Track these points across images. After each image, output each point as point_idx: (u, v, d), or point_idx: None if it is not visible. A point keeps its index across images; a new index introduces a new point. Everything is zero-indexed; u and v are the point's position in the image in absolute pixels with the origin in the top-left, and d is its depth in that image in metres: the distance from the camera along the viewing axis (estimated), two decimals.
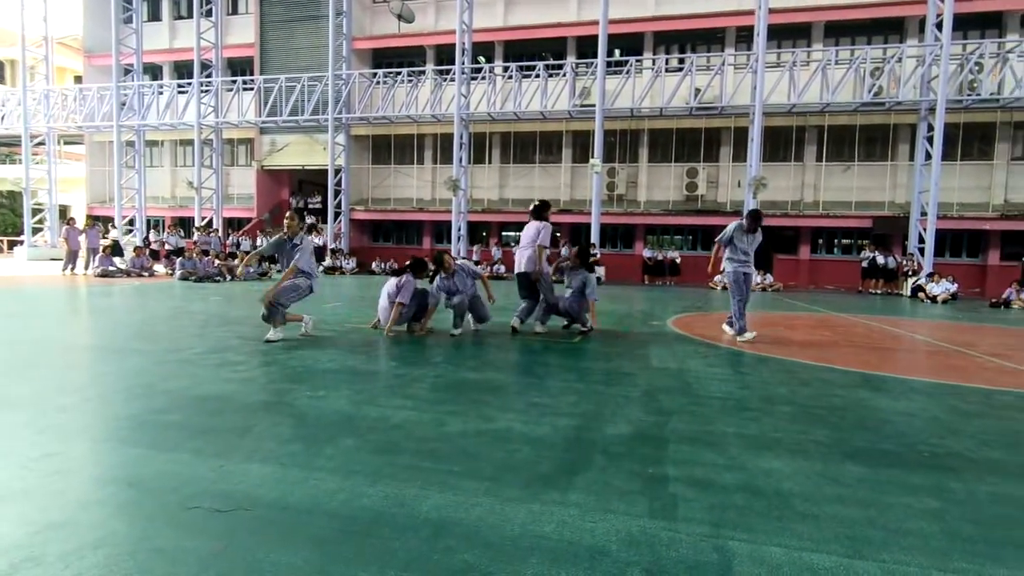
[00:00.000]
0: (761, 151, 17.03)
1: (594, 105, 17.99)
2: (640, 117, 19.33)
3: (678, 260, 18.74)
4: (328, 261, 19.33)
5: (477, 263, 17.34)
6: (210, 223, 21.69)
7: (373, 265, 20.37)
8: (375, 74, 20.60)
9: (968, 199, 17.57)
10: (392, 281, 6.10)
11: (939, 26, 15.99)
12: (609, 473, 2.35)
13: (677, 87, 17.46)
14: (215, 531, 1.80)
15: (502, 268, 19.35)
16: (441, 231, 21.80)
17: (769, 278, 16.92)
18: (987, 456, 2.68)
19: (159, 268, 16.55)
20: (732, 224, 6.50)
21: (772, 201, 18.49)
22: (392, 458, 2.44)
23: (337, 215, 21.20)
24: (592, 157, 17.93)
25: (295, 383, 3.71)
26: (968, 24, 17.15)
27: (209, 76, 21.90)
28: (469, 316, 6.36)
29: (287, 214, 5.62)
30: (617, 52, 19.51)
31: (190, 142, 22.39)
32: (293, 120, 20.57)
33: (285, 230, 5.60)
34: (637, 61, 18.37)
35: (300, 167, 22.44)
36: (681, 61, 18.74)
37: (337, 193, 21.06)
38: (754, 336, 6.20)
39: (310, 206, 23.65)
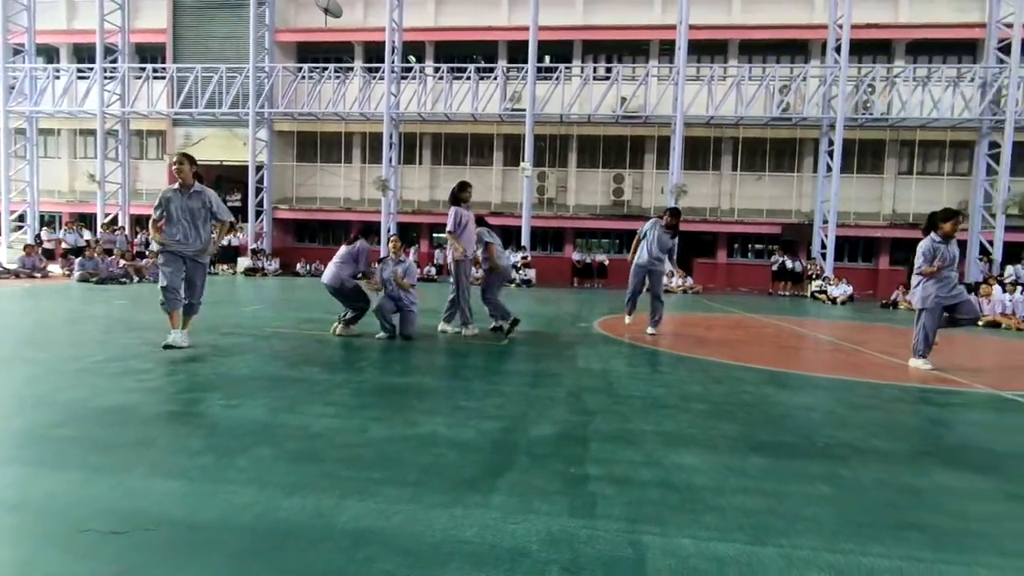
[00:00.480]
0: (682, 160, 17.89)
1: (524, 109, 18.23)
2: (569, 123, 19.76)
3: (606, 263, 19.30)
4: (249, 262, 18.42)
5: (418, 264, 17.06)
6: (115, 220, 20.11)
7: (298, 267, 19.63)
8: (300, 68, 19.88)
9: (863, 209, 19.23)
10: (343, 250, 6.06)
11: (838, 50, 17.43)
12: (532, 474, 2.39)
13: (604, 95, 18.01)
14: (111, 554, 1.67)
15: (433, 271, 19.19)
16: (370, 232, 21.27)
17: (689, 280, 17.76)
18: (873, 445, 2.95)
19: (54, 268, 15.14)
20: (650, 221, 6.97)
21: (692, 207, 19.42)
22: (311, 467, 2.36)
23: (259, 214, 20.27)
24: (523, 161, 18.16)
25: (207, 392, 3.51)
26: (863, 49, 18.79)
27: (114, 62, 20.30)
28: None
29: (175, 159, 4.78)
30: (547, 58, 19.88)
31: (92, 132, 20.64)
32: (210, 113, 19.48)
33: (179, 180, 4.80)
34: (566, 68, 18.80)
35: (218, 162, 21.23)
36: (608, 70, 19.35)
37: (259, 191, 20.13)
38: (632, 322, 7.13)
39: (229, 204, 22.43)
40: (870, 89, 17.90)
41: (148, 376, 3.86)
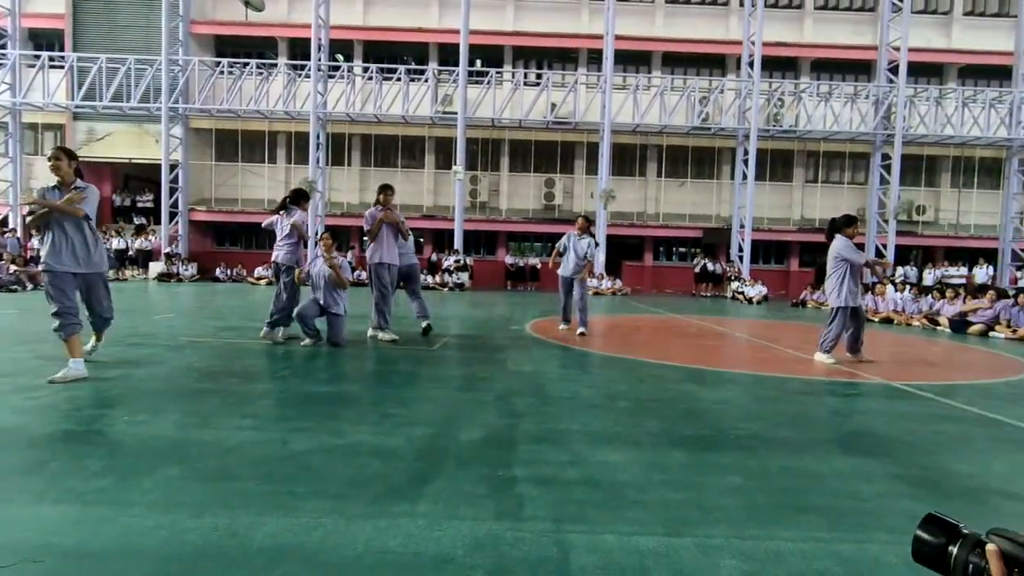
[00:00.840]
0: (610, 166, 18.45)
1: (456, 112, 18.18)
2: (501, 127, 19.89)
3: (538, 266, 19.56)
4: (162, 267, 17.27)
5: (354, 268, 16.59)
6: (5, 221, 18.28)
7: (217, 271, 18.58)
8: (219, 63, 18.87)
9: (775, 214, 20.54)
10: (284, 222, 6.10)
11: (752, 65, 18.58)
12: (459, 479, 2.38)
13: (535, 101, 18.28)
14: None
15: (363, 275, 18.72)
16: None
17: (618, 283, 18.31)
18: (780, 435, 3.15)
19: None
20: (567, 234, 7.47)
21: (620, 212, 20.05)
22: (225, 485, 2.24)
23: (173, 216, 19.03)
24: (455, 164, 18.09)
25: (109, 408, 3.26)
26: (773, 66, 20.11)
27: (3, 47, 18.47)
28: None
29: (51, 153, 4.08)
30: (479, 62, 19.94)
31: None
32: (116, 107, 18.11)
33: (56, 178, 4.08)
34: (497, 73, 18.91)
35: (126, 160, 19.79)
36: (539, 76, 19.64)
37: (173, 191, 18.90)
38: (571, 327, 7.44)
39: (139, 204, 20.95)
40: (780, 103, 19.19)
41: (41, 393, 3.52)
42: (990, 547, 0.70)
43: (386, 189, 6.25)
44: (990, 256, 19.05)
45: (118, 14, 19.64)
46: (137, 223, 19.11)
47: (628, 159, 20.62)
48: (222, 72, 18.62)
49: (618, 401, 3.82)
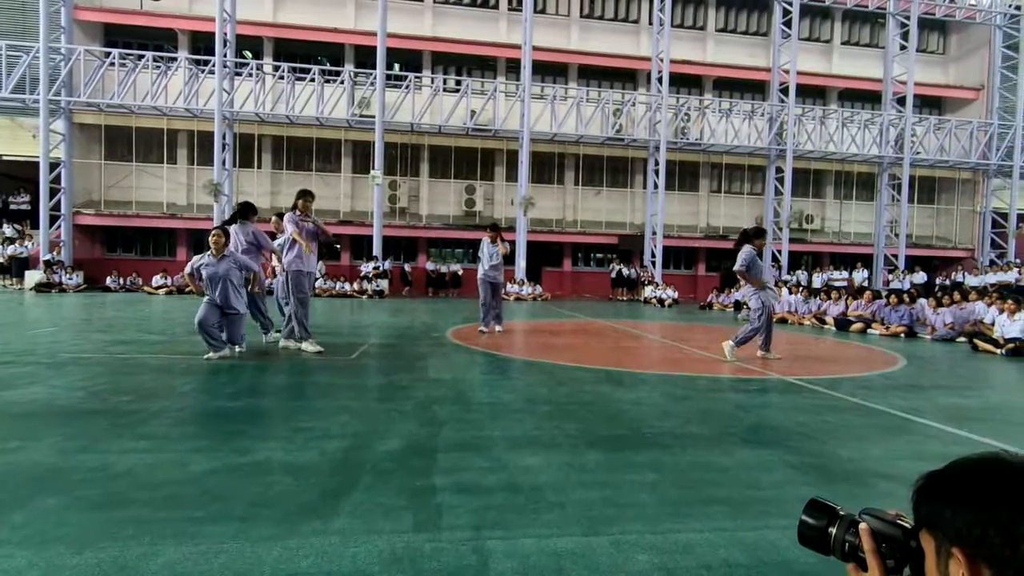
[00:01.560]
0: (529, 173, 18.77)
1: (374, 116, 17.81)
2: (420, 132, 19.71)
3: (460, 272, 19.50)
4: (41, 275, 15.56)
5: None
6: None
7: (108, 280, 17.01)
8: (109, 53, 17.33)
9: (684, 222, 21.74)
10: (240, 236, 6.10)
11: (661, 80, 19.60)
12: (376, 492, 2.31)
13: (455, 107, 18.27)
14: None
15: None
16: (200, 240, 19.20)
17: (539, 288, 18.62)
18: (689, 431, 3.32)
19: None
20: (483, 240, 8.07)
21: (540, 219, 20.43)
22: (113, 514, 2.03)
23: (55, 219, 17.20)
24: (373, 168, 17.69)
25: None
26: (680, 82, 21.33)
27: None
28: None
29: None
30: (396, 66, 19.65)
31: None
32: None
33: None
34: (416, 78, 18.72)
35: None
36: (458, 83, 19.66)
37: (55, 192, 17.09)
38: (488, 330, 7.82)
39: (12, 207, 18.80)
40: (686, 117, 20.39)
41: None
42: (862, 525, 0.77)
43: (305, 195, 6.01)
44: (867, 261, 21.20)
45: None
46: (7, 234, 17.04)
47: (547, 167, 21.07)
48: (112, 64, 17.11)
49: (538, 405, 3.87)
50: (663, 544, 1.94)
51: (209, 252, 5.44)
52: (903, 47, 21.18)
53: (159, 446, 2.78)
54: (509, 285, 18.15)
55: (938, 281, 19.17)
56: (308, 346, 5.90)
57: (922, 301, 10.42)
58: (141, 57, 17.20)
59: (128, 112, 17.86)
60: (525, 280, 18.46)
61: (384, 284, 17.16)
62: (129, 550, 1.79)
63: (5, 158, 17.86)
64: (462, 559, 1.80)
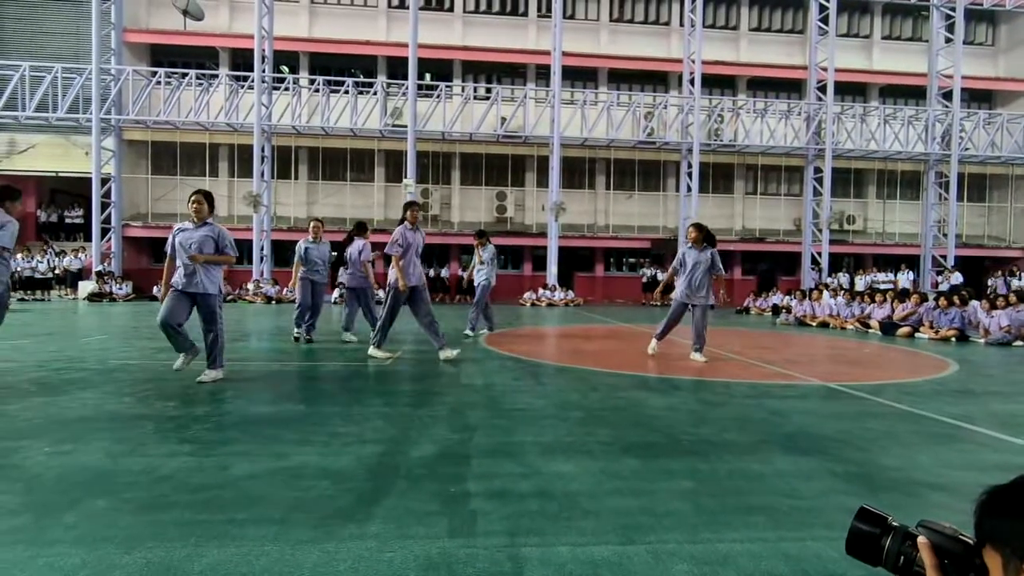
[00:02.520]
0: (560, 178, 18.74)
1: (406, 126, 18.09)
2: (451, 140, 19.91)
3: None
4: (93, 286, 16.30)
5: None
6: None
7: (154, 290, 17.65)
8: (155, 72, 18.12)
9: (718, 225, 21.32)
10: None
11: (692, 82, 19.34)
12: (410, 497, 2.32)
13: (485, 115, 18.41)
14: None
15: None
16: (241, 251, 19.78)
17: (571, 293, 18.53)
18: (726, 438, 3.24)
19: None
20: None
21: (571, 224, 20.36)
22: (158, 516, 2.10)
23: (105, 232, 18.02)
24: (405, 177, 17.96)
25: (28, 438, 3.02)
26: (713, 83, 21.00)
27: None
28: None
29: None
30: (428, 76, 19.94)
31: None
32: (42, 117, 17.10)
33: None
34: (447, 86, 18.96)
35: (52, 173, 18.70)
36: (488, 90, 19.81)
37: (105, 206, 17.92)
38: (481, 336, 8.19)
39: (68, 220, 19.77)
40: (719, 118, 20.04)
41: None
42: (922, 539, 0.73)
43: (412, 206, 5.94)
44: (912, 262, 20.39)
45: (43, 20, 18.64)
46: (57, 251, 17.83)
47: (577, 172, 21.00)
48: (158, 82, 17.88)
49: (570, 411, 3.85)
50: (702, 554, 1.89)
51: (191, 220, 4.69)
52: (949, 40, 20.38)
53: (200, 451, 2.87)
54: (541, 290, 18.12)
55: (990, 282, 18.29)
56: (380, 354, 5.90)
57: (975, 303, 9.95)
58: (185, 75, 17.92)
59: (173, 128, 18.60)
60: (557, 285, 18.40)
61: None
62: (175, 551, 1.84)
63: (61, 175, 18.81)
64: (497, 566, 1.80)
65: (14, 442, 2.96)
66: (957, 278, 16.78)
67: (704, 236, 6.31)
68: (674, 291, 6.58)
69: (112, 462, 2.68)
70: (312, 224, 7.47)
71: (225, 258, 4.73)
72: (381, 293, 6.75)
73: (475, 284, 8.52)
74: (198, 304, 4.63)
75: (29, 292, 16.14)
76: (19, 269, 15.65)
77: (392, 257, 5.72)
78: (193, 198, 4.62)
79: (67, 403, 3.82)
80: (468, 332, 8.28)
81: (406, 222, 5.86)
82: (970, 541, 0.70)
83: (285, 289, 17.24)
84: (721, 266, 6.35)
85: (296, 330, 7.34)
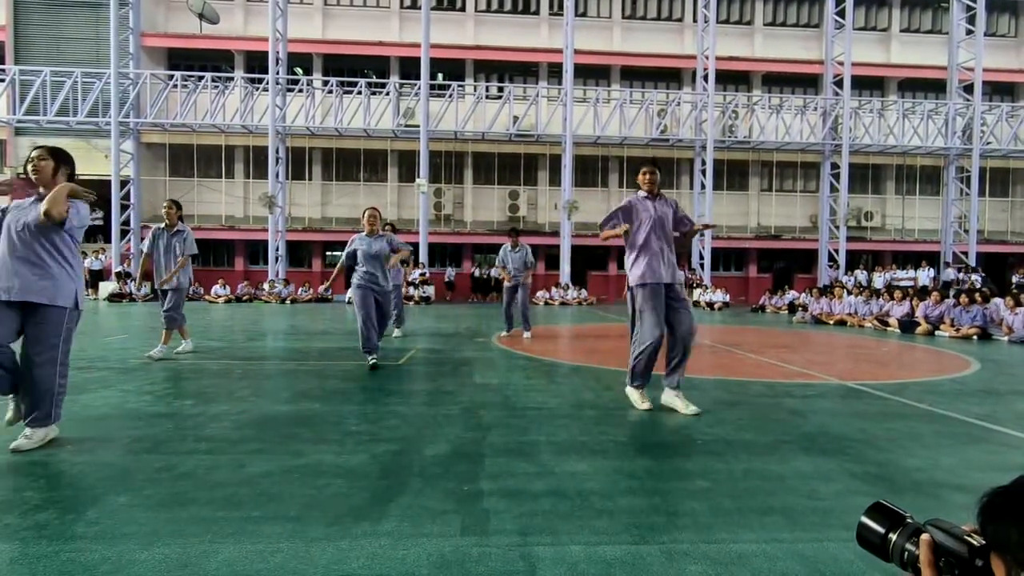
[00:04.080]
0: (573, 177, 18.68)
1: (418, 126, 18.16)
2: (464, 140, 19.96)
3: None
4: (114, 286, 16.59)
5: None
6: None
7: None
8: (172, 76, 18.39)
9: (733, 223, 21.15)
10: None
11: (706, 78, 19.17)
12: (424, 496, 2.33)
13: (497, 114, 18.42)
14: None
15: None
16: (257, 251, 20.07)
17: (584, 292, 18.48)
18: (742, 438, 3.21)
19: None
20: (503, 247, 8.29)
21: (584, 223, 20.29)
22: (176, 512, 2.14)
23: (125, 233, 18.35)
24: (419, 177, 18.03)
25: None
26: (727, 79, 20.81)
27: None
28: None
29: (35, 152, 3.08)
30: (440, 76, 19.99)
31: None
32: (62, 121, 17.44)
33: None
34: (459, 86, 19.00)
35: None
36: (500, 90, 19.81)
37: (125, 208, 18.24)
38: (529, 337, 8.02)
39: (89, 222, 20.12)
40: (734, 115, 19.84)
41: None
42: (924, 536, 0.72)
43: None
44: (932, 259, 20.03)
45: (63, 26, 18.99)
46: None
47: (590, 170, 20.94)
48: (175, 85, 18.14)
49: (584, 410, 3.83)
50: (716, 554, 1.87)
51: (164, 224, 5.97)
52: (970, 32, 19.97)
53: (218, 448, 2.91)
54: (554, 289, 18.09)
55: (1015, 279, 17.90)
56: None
57: (997, 300, 9.74)
58: (201, 78, 18.16)
59: (190, 130, 18.87)
60: (570, 284, 18.36)
61: (431, 290, 17.42)
62: (192, 547, 1.87)
63: (81, 178, 19.14)
64: (510, 564, 1.80)
65: None
66: (977, 278, 16.43)
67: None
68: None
69: (132, 459, 2.72)
70: (367, 214, 5.50)
71: (182, 260, 5.99)
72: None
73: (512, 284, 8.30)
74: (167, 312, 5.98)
75: None
76: None
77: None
78: (167, 204, 5.96)
79: (89, 401, 3.89)
80: (526, 334, 8.20)
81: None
82: (978, 544, 0.69)
83: (299, 289, 17.42)
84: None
85: (370, 357, 5.39)
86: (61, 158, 3.07)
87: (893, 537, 0.77)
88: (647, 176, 4.10)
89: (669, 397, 3.88)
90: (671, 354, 3.91)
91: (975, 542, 0.69)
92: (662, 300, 3.84)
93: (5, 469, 2.59)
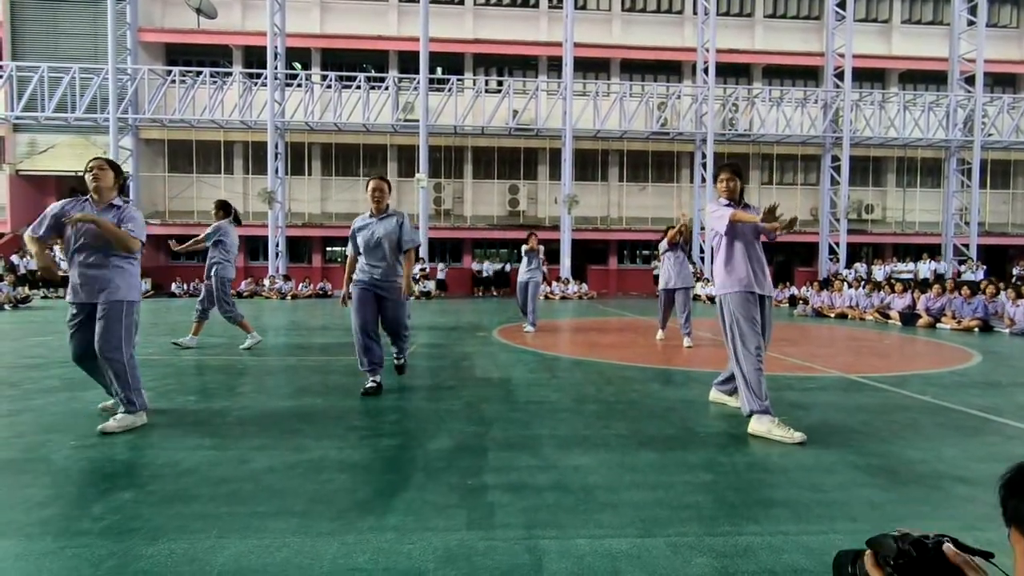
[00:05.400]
0: (573, 171, 18.64)
1: (418, 120, 18.10)
2: (463, 134, 19.90)
3: (508, 270, 19.60)
4: None
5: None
6: None
7: (173, 287, 17.98)
8: (170, 71, 18.31)
9: None
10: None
11: (707, 71, 19.09)
12: (429, 490, 2.33)
13: (497, 108, 18.35)
14: None
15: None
16: (257, 247, 20.04)
17: (584, 287, 18.47)
18: (744, 431, 3.20)
19: None
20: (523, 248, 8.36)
21: (584, 217, 20.27)
22: (182, 508, 2.14)
23: None
24: (418, 172, 17.99)
25: (54, 432, 3.08)
26: (727, 72, 20.73)
27: None
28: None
29: (92, 163, 3.20)
30: (439, 70, 19.91)
31: None
32: (61, 117, 17.38)
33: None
34: (459, 80, 18.92)
35: (72, 173, 18.97)
36: (500, 84, 19.74)
37: None
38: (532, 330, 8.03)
39: None
40: (734, 108, 19.78)
41: None
42: (866, 553, 0.87)
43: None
44: (933, 251, 20.01)
45: (60, 22, 18.89)
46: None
47: (590, 164, 20.89)
48: (173, 81, 18.07)
49: (586, 404, 3.83)
50: (722, 547, 1.87)
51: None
52: (971, 22, 19.88)
53: (221, 444, 2.91)
54: (554, 283, 18.09)
55: (1016, 271, 17.89)
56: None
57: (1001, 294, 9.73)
58: (199, 74, 18.09)
59: (188, 126, 18.80)
60: (570, 279, 18.35)
61: (431, 285, 17.42)
62: (198, 543, 1.87)
63: (80, 174, 19.11)
64: (516, 558, 1.80)
65: (42, 436, 3.02)
66: (980, 275, 16.40)
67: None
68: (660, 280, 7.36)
69: (136, 455, 2.73)
70: (372, 185, 4.11)
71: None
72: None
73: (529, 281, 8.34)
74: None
75: (51, 289, 16.44)
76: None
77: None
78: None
79: (92, 398, 3.89)
80: (527, 327, 8.27)
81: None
82: (928, 539, 0.80)
83: (300, 285, 17.41)
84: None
85: (370, 377, 4.19)
86: (116, 169, 3.29)
87: (852, 570, 0.91)
88: (726, 184, 3.59)
89: (718, 395, 3.82)
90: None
91: (927, 541, 0.81)
92: (757, 308, 3.44)
93: (7, 467, 2.59)
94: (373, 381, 4.11)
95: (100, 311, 3.11)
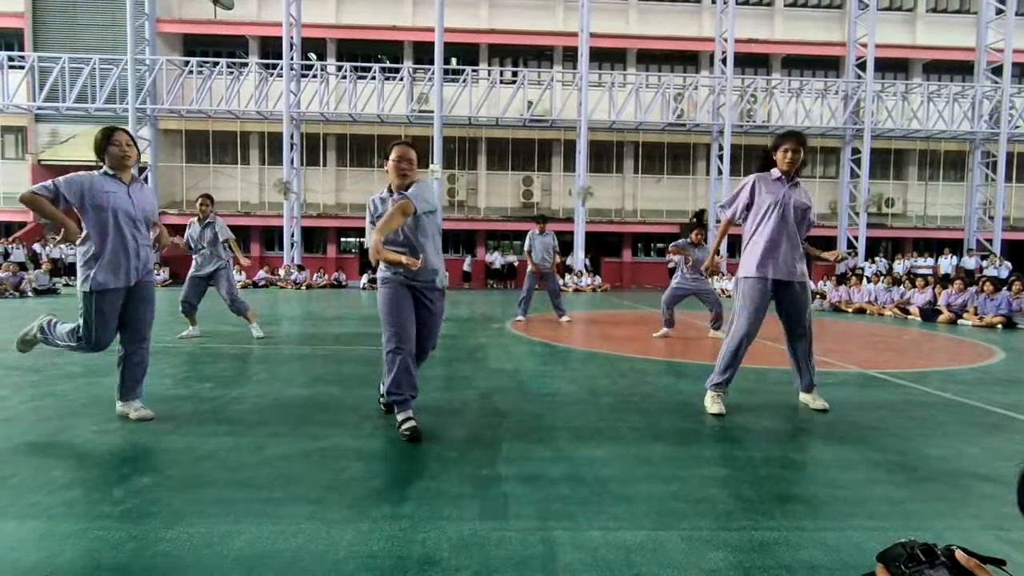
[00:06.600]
0: (587, 163, 18.52)
1: (432, 111, 18.08)
2: (478, 125, 19.84)
3: (516, 264, 19.57)
4: None
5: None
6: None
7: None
8: (187, 62, 18.45)
9: None
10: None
11: (725, 62, 18.82)
12: (443, 480, 2.34)
13: (511, 99, 18.27)
14: None
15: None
16: (272, 237, 20.22)
17: (598, 279, 18.40)
18: (762, 425, 3.17)
19: None
20: (529, 232, 8.41)
21: (598, 209, 20.16)
22: (199, 493, 2.17)
23: None
24: (432, 163, 17.99)
25: (76, 416, 3.14)
26: (745, 62, 20.41)
27: None
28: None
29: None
30: (454, 60, 19.84)
31: None
32: (81, 108, 17.61)
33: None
34: (473, 71, 18.85)
35: (93, 163, 19.22)
36: (515, 74, 19.63)
37: None
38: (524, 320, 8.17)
39: None
40: (752, 99, 19.48)
41: (3, 406, 3.38)
42: (878, 567, 0.88)
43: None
44: (955, 246, 19.62)
45: (80, 13, 19.10)
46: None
47: (605, 156, 20.74)
48: (191, 72, 18.22)
49: (600, 396, 3.82)
50: (737, 542, 1.86)
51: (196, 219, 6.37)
52: (1000, 11, 19.33)
53: (237, 431, 2.94)
54: (568, 276, 18.04)
55: None
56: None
57: None
58: (216, 64, 18.21)
59: (205, 117, 18.96)
60: (584, 271, 18.28)
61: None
62: (215, 527, 1.90)
63: (101, 164, 19.38)
64: (529, 548, 1.80)
65: (65, 421, 3.08)
66: (1003, 271, 16.02)
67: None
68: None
69: (155, 440, 2.77)
70: (395, 153, 3.17)
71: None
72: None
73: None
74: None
75: (72, 278, 16.75)
76: (63, 256, 16.27)
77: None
78: (200, 200, 6.66)
79: (111, 383, 3.95)
80: (564, 318, 8.47)
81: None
82: (936, 547, 0.83)
83: (314, 275, 17.55)
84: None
85: (400, 412, 3.07)
86: (137, 147, 3.43)
87: None
88: (789, 154, 3.27)
89: (805, 398, 3.64)
90: (792, 358, 3.60)
91: (934, 546, 0.85)
92: (767, 301, 3.28)
93: (32, 450, 2.65)
94: (408, 419, 2.87)
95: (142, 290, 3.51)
